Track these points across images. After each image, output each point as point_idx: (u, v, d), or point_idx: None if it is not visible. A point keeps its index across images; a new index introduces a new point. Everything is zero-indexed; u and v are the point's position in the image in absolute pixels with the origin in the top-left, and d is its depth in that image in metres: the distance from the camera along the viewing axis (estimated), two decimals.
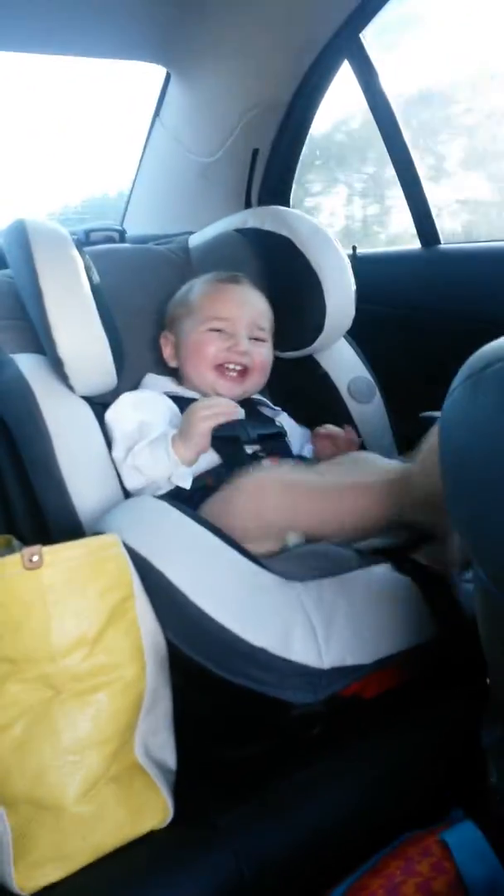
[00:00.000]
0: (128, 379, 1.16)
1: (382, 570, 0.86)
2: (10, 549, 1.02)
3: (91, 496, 1.00)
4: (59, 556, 0.71)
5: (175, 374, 1.22)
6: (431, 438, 0.83)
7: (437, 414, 1.17)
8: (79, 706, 0.70)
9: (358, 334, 1.33)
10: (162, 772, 0.75)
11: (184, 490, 1.01)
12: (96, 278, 1.09)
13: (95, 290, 1.07)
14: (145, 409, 1.10)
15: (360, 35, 1.39)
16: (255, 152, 1.59)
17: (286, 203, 1.67)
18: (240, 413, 1.06)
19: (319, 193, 2.16)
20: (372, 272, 1.40)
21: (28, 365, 1.08)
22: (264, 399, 1.28)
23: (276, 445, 1.15)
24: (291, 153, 1.62)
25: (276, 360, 1.25)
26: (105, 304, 1.08)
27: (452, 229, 1.68)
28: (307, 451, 1.23)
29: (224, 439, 1.10)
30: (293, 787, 0.75)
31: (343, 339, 1.33)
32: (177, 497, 0.98)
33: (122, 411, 1.09)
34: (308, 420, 1.27)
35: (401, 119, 1.41)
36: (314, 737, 0.79)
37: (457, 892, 0.64)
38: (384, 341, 1.38)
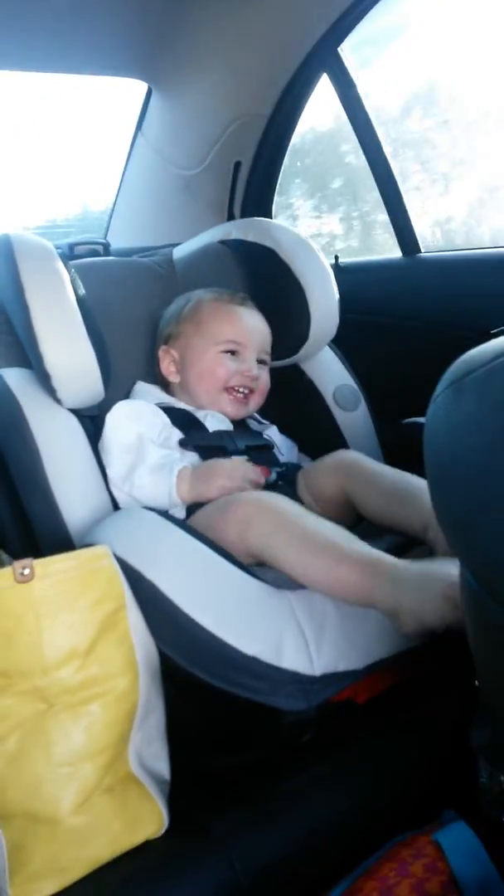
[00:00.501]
0: (115, 391, 1.16)
1: None
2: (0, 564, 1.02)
3: (80, 508, 1.00)
4: (49, 569, 0.72)
5: (166, 385, 1.23)
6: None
7: (421, 420, 1.19)
8: (72, 718, 0.70)
9: (342, 343, 1.35)
10: (156, 782, 0.76)
11: None
12: (82, 291, 1.10)
13: (81, 302, 1.08)
14: (142, 420, 1.11)
15: (339, 49, 1.41)
16: (238, 165, 1.61)
17: (268, 214, 1.69)
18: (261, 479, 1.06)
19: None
20: (354, 281, 1.42)
21: (15, 379, 1.08)
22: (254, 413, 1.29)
23: (263, 456, 1.16)
24: (273, 165, 1.64)
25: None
26: (91, 317, 1.08)
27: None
28: (294, 458, 1.24)
29: (210, 449, 1.11)
30: (287, 792, 0.76)
31: (327, 348, 1.35)
32: None
33: (120, 422, 1.09)
34: (294, 429, 1.28)
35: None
36: (307, 742, 0.80)
37: (451, 893, 0.65)
38: (368, 349, 1.40)
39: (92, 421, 1.11)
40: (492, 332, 1.20)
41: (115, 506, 1.04)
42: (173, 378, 1.21)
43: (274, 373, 1.29)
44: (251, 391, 1.18)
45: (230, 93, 1.51)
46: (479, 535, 0.49)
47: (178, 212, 1.72)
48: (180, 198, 1.70)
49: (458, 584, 0.71)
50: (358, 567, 0.79)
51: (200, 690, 0.78)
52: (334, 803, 0.76)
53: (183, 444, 1.11)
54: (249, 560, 0.87)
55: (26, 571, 0.70)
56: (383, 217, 1.50)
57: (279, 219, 1.76)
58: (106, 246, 1.44)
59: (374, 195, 1.50)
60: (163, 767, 0.78)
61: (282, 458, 1.20)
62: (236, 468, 1.03)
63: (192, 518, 0.97)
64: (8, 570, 0.70)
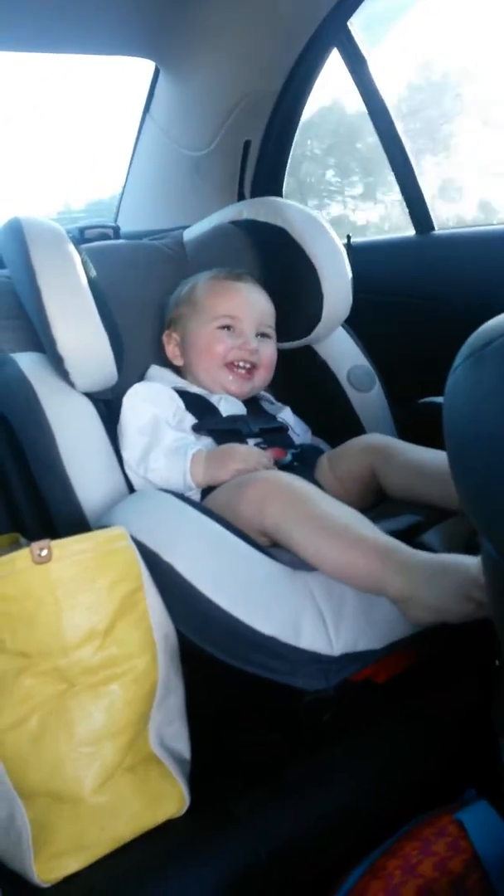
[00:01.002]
0: (128, 374, 1.15)
1: None
2: (16, 547, 1.02)
3: (95, 491, 1.00)
4: (67, 550, 0.72)
5: (177, 369, 1.22)
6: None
7: (437, 399, 1.18)
8: (93, 698, 0.70)
9: (356, 323, 1.33)
10: (177, 761, 0.76)
11: None
12: (93, 274, 1.09)
13: (93, 285, 1.07)
14: (158, 402, 1.10)
15: (349, 23, 1.38)
16: (247, 144, 1.59)
17: (279, 194, 1.67)
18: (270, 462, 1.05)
19: None
20: (367, 261, 1.40)
21: (28, 363, 1.08)
22: (267, 394, 1.28)
23: (277, 438, 1.15)
24: (283, 144, 1.62)
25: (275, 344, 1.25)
26: (103, 300, 1.08)
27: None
28: (308, 441, 1.23)
29: (225, 432, 1.10)
30: (307, 772, 0.76)
31: (341, 329, 1.33)
32: None
33: (137, 404, 1.09)
34: (308, 410, 1.27)
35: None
36: (327, 722, 0.79)
37: (474, 871, 0.65)
38: (382, 329, 1.38)
39: (106, 405, 1.11)
40: None
41: (131, 488, 1.04)
42: (178, 361, 1.20)
43: (287, 354, 1.28)
44: (254, 366, 1.17)
45: (239, 69, 1.49)
46: (499, 505, 0.49)
47: (188, 193, 1.70)
48: (190, 179, 1.68)
49: (480, 582, 0.70)
50: (371, 552, 0.78)
51: (219, 671, 0.78)
52: (355, 783, 0.76)
53: (196, 428, 1.10)
54: (264, 540, 0.87)
55: (44, 553, 0.70)
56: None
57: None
58: (116, 229, 1.43)
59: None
60: (183, 747, 0.78)
61: (297, 440, 1.19)
62: (251, 452, 1.03)
63: (208, 498, 0.97)
64: (26, 551, 0.70)
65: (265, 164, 1.63)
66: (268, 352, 1.19)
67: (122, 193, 1.83)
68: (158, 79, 1.61)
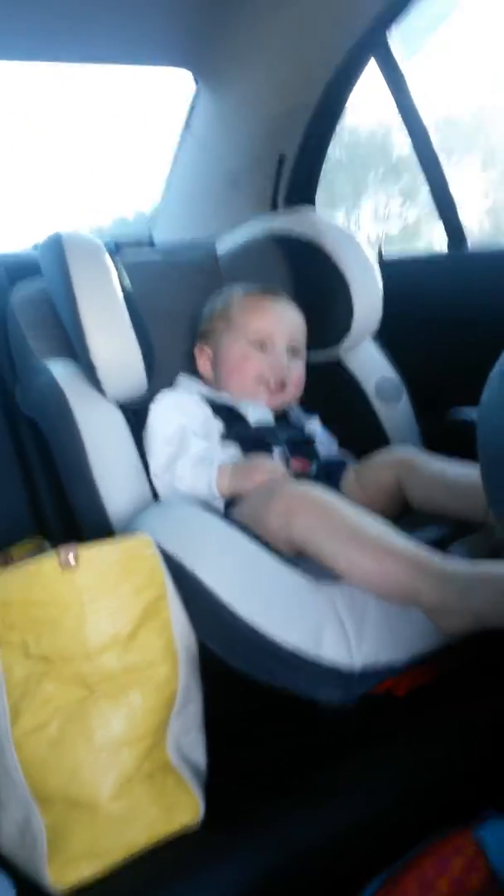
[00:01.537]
0: (158, 383, 1.17)
1: None
2: (40, 551, 1.05)
3: (122, 498, 1.01)
4: (93, 556, 0.73)
5: (205, 381, 1.24)
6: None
7: (465, 413, 1.17)
8: (112, 704, 0.71)
9: (384, 336, 1.33)
10: (193, 771, 0.76)
11: None
12: (128, 285, 1.12)
13: (127, 296, 1.09)
14: (185, 411, 1.12)
15: (387, 33, 1.39)
16: (282, 158, 1.60)
17: (311, 205, 1.68)
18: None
19: None
20: (398, 274, 1.40)
21: (61, 371, 1.10)
22: (295, 405, 1.29)
23: (304, 449, 1.16)
24: (317, 156, 1.63)
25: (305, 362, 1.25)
26: (137, 311, 1.09)
27: None
28: (335, 453, 1.23)
29: (252, 441, 1.11)
30: (326, 784, 0.76)
31: (369, 340, 1.33)
32: None
33: (164, 412, 1.10)
34: (334, 421, 1.27)
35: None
36: (346, 734, 0.79)
37: (491, 890, 0.64)
38: (410, 343, 1.38)
39: (134, 414, 1.12)
40: None
41: (156, 496, 1.05)
42: (208, 375, 1.22)
43: (315, 365, 1.28)
44: (283, 384, 1.18)
45: (277, 82, 1.50)
46: None
47: (223, 207, 1.72)
48: (225, 193, 1.70)
49: None
50: (405, 561, 0.78)
51: (240, 682, 0.78)
52: (373, 796, 0.75)
53: (225, 436, 1.11)
54: (291, 551, 0.87)
55: (71, 557, 0.71)
56: None
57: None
58: (150, 242, 1.46)
59: None
60: (199, 757, 0.78)
61: (323, 451, 1.19)
62: (276, 466, 1.04)
63: (233, 509, 0.98)
64: (52, 555, 0.72)
65: (299, 176, 1.64)
66: (298, 370, 1.20)
67: (159, 205, 1.85)
68: (198, 94, 1.63)
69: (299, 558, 0.87)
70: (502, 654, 0.82)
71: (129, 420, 1.10)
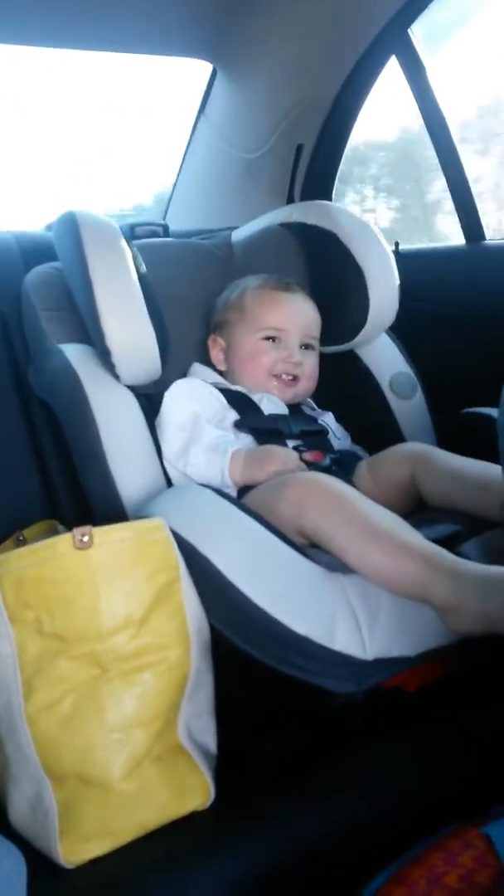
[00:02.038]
0: (171, 369, 1.17)
1: None
2: (53, 534, 1.04)
3: (135, 483, 1.01)
4: (107, 538, 0.73)
5: (219, 370, 1.23)
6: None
7: (481, 410, 1.16)
8: (125, 685, 0.71)
9: (400, 330, 1.33)
10: (204, 755, 0.76)
11: None
12: (143, 269, 1.11)
13: (142, 281, 1.08)
14: (199, 399, 1.11)
15: (409, 30, 1.38)
16: (300, 148, 1.59)
17: (328, 198, 1.67)
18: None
19: None
20: (415, 268, 1.40)
21: (75, 354, 1.10)
22: (309, 400, 1.28)
23: (317, 441, 1.15)
24: (335, 149, 1.62)
25: (319, 355, 1.25)
26: (152, 296, 1.09)
27: None
28: (348, 447, 1.23)
29: (266, 432, 1.10)
30: (335, 776, 0.75)
31: (385, 335, 1.33)
32: None
33: (178, 400, 1.10)
34: (348, 415, 1.27)
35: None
36: (356, 727, 0.79)
37: (501, 886, 0.63)
38: (427, 338, 1.38)
39: (147, 399, 1.12)
40: None
41: (169, 483, 1.05)
42: (221, 366, 1.21)
43: (329, 358, 1.28)
44: (296, 377, 1.18)
45: (296, 74, 1.49)
46: None
47: (238, 195, 1.72)
48: (240, 181, 1.69)
49: None
50: (418, 557, 0.77)
51: (251, 668, 0.78)
52: (383, 790, 0.75)
53: (238, 425, 1.11)
54: (302, 541, 0.87)
55: (85, 538, 0.71)
56: None
57: None
58: (165, 227, 1.45)
59: None
60: (210, 741, 0.78)
61: (336, 445, 1.19)
62: (290, 455, 1.03)
63: (246, 496, 0.97)
64: (67, 536, 0.71)
65: (317, 169, 1.63)
66: (311, 363, 1.20)
67: (172, 192, 1.85)
68: (215, 80, 1.62)
69: (312, 548, 0.86)
70: None
71: (142, 405, 1.09)
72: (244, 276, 1.26)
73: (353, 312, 1.25)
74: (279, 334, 1.17)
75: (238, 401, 1.14)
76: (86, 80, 1.94)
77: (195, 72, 1.66)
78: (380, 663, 0.77)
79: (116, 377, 1.07)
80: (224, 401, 1.13)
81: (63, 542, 0.71)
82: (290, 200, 1.65)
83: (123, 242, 1.10)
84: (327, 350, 1.28)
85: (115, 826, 0.68)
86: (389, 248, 1.27)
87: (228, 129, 1.66)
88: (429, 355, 1.34)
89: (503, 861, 0.66)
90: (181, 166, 1.81)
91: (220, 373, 1.22)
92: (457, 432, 1.19)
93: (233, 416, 1.12)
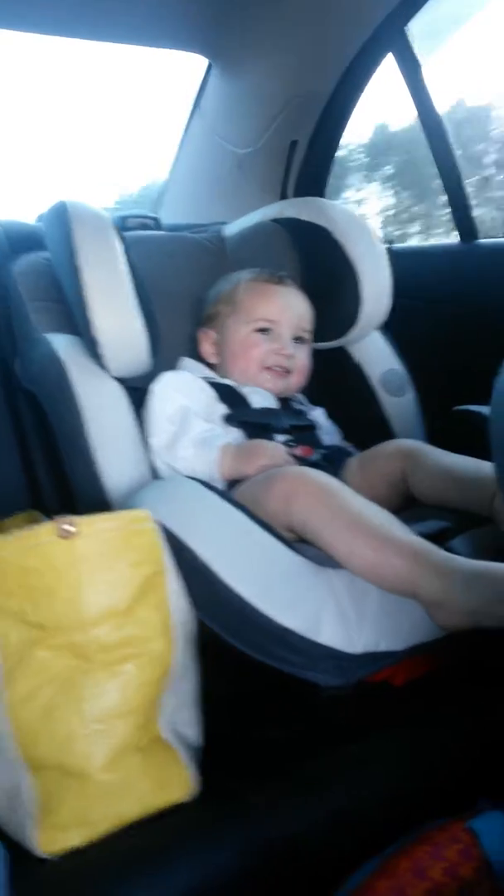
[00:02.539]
0: (161, 362, 1.16)
1: None
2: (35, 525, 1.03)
3: (121, 475, 1.00)
4: (92, 527, 0.72)
5: (209, 364, 1.22)
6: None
7: (471, 407, 1.16)
8: (107, 676, 0.70)
9: (392, 328, 1.32)
10: (186, 747, 0.75)
11: None
12: (133, 260, 1.10)
13: (133, 272, 1.07)
14: (187, 392, 1.10)
15: (406, 28, 1.38)
16: (294, 144, 1.59)
17: (322, 195, 1.66)
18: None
19: None
20: (408, 266, 1.39)
21: (61, 344, 1.09)
22: (299, 395, 1.27)
23: (307, 436, 1.15)
24: (329, 146, 1.62)
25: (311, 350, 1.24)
26: (142, 287, 1.08)
27: None
28: (338, 443, 1.22)
29: (255, 426, 1.10)
30: (322, 768, 0.75)
31: (377, 332, 1.32)
32: None
33: (166, 392, 1.09)
34: (339, 412, 1.26)
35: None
36: (344, 721, 0.78)
37: (485, 879, 0.63)
38: (419, 335, 1.37)
39: (136, 392, 1.11)
40: None
41: (155, 475, 1.04)
42: (212, 359, 1.21)
43: (321, 355, 1.27)
44: (288, 370, 1.17)
45: (291, 69, 1.49)
46: None
47: (231, 190, 1.71)
48: (233, 176, 1.69)
49: None
50: (405, 553, 0.76)
51: (237, 661, 0.77)
52: (369, 783, 0.74)
53: (228, 419, 1.10)
54: (290, 535, 0.86)
55: (69, 528, 0.70)
56: None
57: None
58: (156, 220, 1.44)
59: None
60: (193, 734, 0.77)
61: (326, 440, 1.18)
62: (278, 450, 1.02)
63: (234, 490, 0.96)
64: (50, 525, 0.70)
65: (310, 165, 1.63)
66: (303, 357, 1.20)
67: (165, 186, 1.84)
68: (210, 75, 1.61)
69: (300, 543, 0.86)
70: (499, 651, 0.81)
71: (130, 397, 1.08)
72: (236, 270, 1.26)
73: (346, 308, 1.24)
74: (271, 326, 1.16)
75: (227, 394, 1.13)
76: (79, 70, 1.93)
77: (190, 66, 1.65)
78: (367, 657, 0.77)
79: (104, 368, 1.06)
80: (213, 394, 1.12)
81: (45, 531, 0.70)
82: (283, 197, 1.65)
83: (114, 233, 1.09)
84: (319, 346, 1.27)
85: (94, 816, 0.67)
86: (383, 246, 1.27)
87: (223, 124, 1.66)
88: (420, 353, 1.33)
89: (487, 855, 0.66)
90: (174, 160, 1.80)
91: (210, 366, 1.21)
92: (448, 429, 1.19)
93: (222, 409, 1.11)
